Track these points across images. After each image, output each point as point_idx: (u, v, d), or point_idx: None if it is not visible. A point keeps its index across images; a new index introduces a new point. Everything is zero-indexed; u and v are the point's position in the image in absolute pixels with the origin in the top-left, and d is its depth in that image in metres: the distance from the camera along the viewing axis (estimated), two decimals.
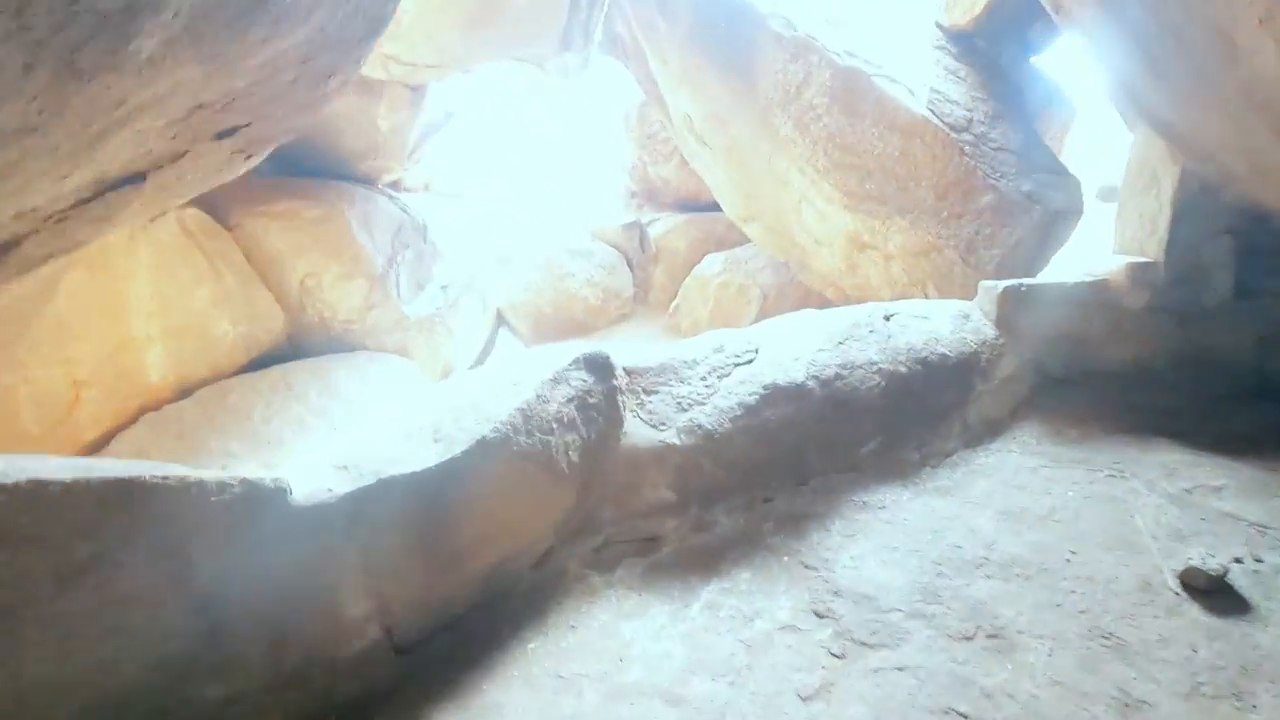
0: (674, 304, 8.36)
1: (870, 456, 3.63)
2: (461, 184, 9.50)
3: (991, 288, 4.18)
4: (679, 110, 6.26)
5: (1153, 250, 4.06)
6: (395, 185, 8.98)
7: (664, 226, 9.18)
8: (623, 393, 3.40)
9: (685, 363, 3.65)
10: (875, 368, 3.73)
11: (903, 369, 3.79)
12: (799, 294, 6.67)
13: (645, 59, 6.25)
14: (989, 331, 4.13)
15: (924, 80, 5.44)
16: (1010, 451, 3.87)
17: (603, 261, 8.80)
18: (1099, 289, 4.14)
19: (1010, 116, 5.59)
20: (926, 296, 5.23)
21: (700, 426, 3.30)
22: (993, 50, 6.34)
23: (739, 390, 3.51)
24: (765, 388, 3.52)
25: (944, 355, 3.91)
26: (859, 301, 5.75)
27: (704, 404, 3.48)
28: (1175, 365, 4.19)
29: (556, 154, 10.58)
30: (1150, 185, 4.02)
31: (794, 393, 3.52)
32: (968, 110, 5.38)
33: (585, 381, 3.22)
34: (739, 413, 3.43)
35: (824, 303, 6.69)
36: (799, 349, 3.75)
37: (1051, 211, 4.96)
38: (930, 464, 3.73)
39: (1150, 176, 4.03)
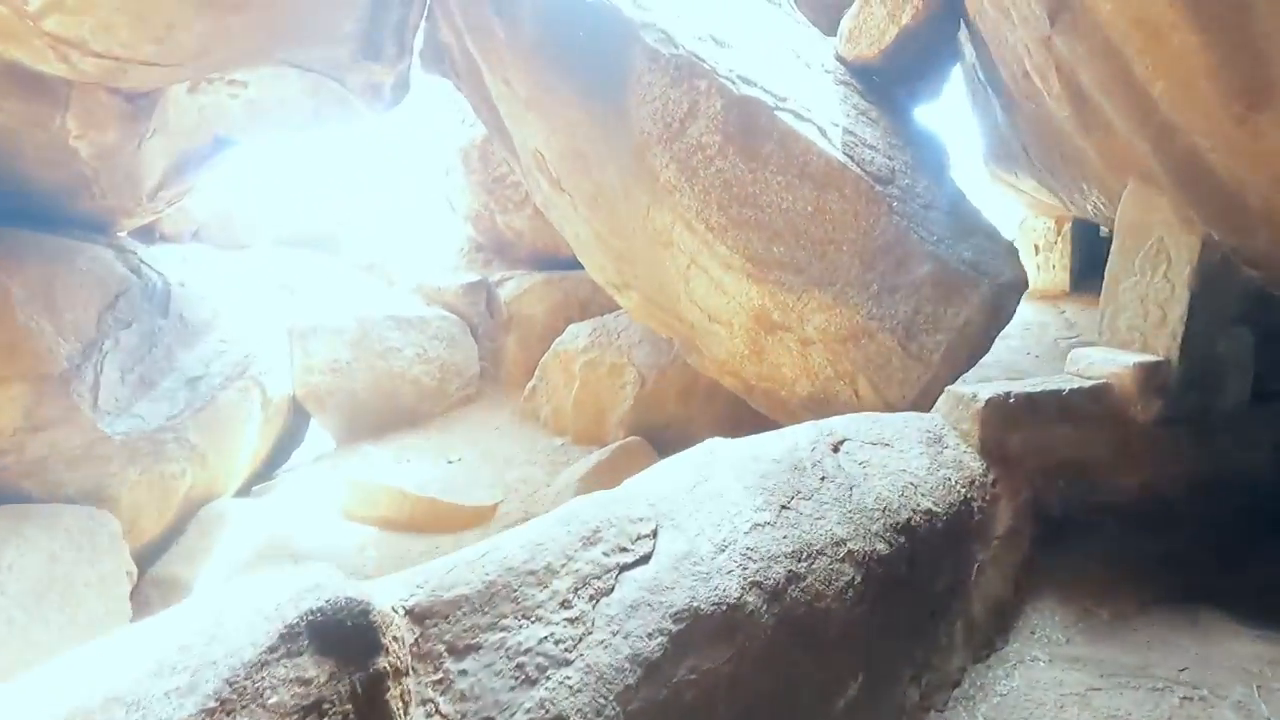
0: (530, 384, 6.75)
1: (850, 712, 2.20)
2: (244, 231, 7.38)
3: (967, 398, 2.98)
4: (527, 145, 4.80)
5: (1162, 345, 3.06)
6: (149, 233, 6.72)
7: (517, 287, 7.62)
8: (402, 674, 1.75)
9: (531, 574, 2.07)
10: (843, 551, 2.35)
11: (881, 546, 2.43)
12: (686, 377, 5.33)
13: (481, 77, 4.74)
14: (973, 464, 2.92)
15: (834, 119, 4.37)
16: (1036, 660, 2.60)
17: (439, 331, 7.05)
18: (1101, 398, 3.08)
19: (926, 167, 4.66)
20: (857, 394, 4.04)
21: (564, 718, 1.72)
22: (894, 90, 5.52)
23: (633, 626, 1.99)
24: (678, 618, 2.03)
25: (930, 513, 2.62)
26: (765, 395, 4.48)
27: (569, 663, 1.93)
28: (1193, 491, 3.18)
29: (377, 196, 8.71)
30: (1156, 261, 3.05)
31: (726, 623, 2.06)
32: (888, 158, 4.37)
33: (311, 676, 1.55)
34: (636, 676, 1.91)
35: (712, 388, 5.39)
36: (723, 526, 2.29)
37: (999, 285, 3.96)
38: (936, 704, 2.35)
39: (1153, 249, 3.05)
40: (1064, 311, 10.04)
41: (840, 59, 5.09)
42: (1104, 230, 10.64)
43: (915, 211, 4.17)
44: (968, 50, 6.12)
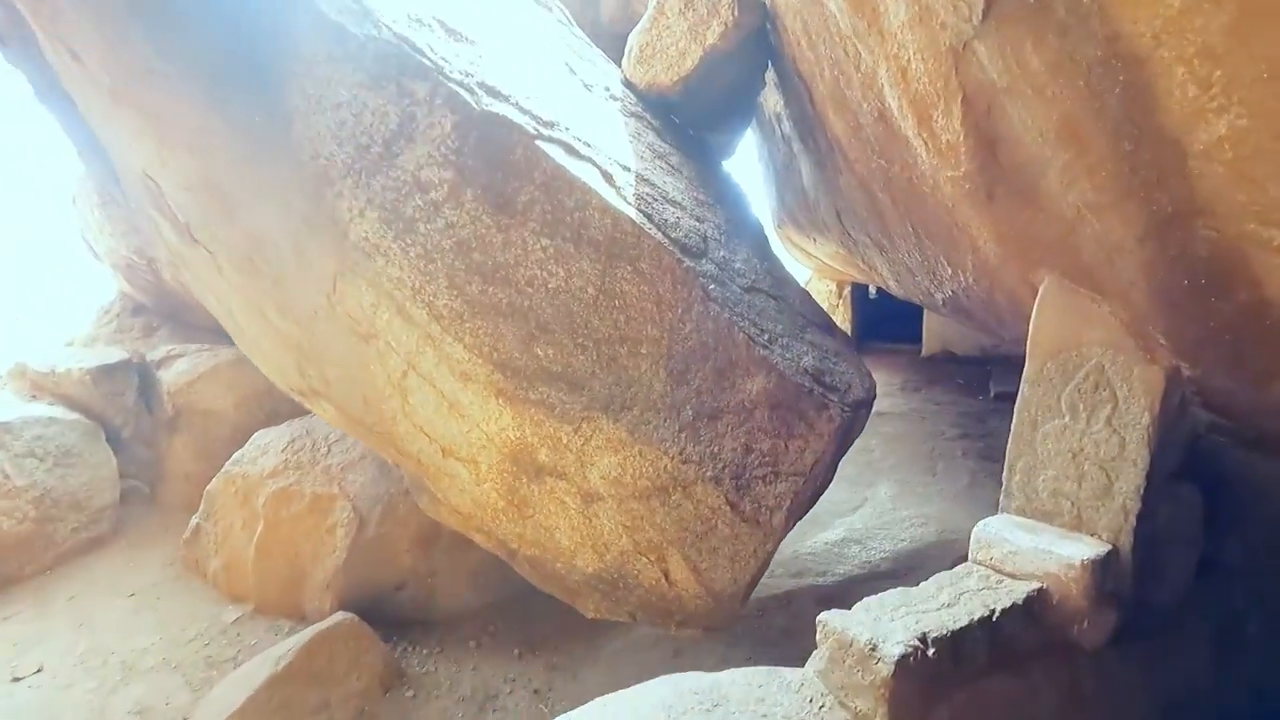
0: (193, 521, 4.50)
1: None
2: None
3: (860, 653, 1.66)
4: (130, 165, 2.86)
5: (1106, 523, 2.04)
6: None
7: (190, 369, 5.32)
8: None
9: None
10: None
11: None
12: (425, 518, 3.59)
13: (37, 44, 2.72)
14: None
15: (624, 161, 3.03)
16: None
17: (40, 443, 4.54)
18: (1039, 617, 1.93)
19: (744, 234, 3.53)
20: (667, 576, 2.64)
21: None
22: (698, 134, 4.42)
23: None
24: None
25: None
26: (534, 565, 2.93)
27: None
28: None
29: None
30: (1094, 400, 2.02)
31: None
32: (697, 219, 3.12)
33: None
34: None
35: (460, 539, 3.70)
36: None
37: (852, 405, 2.83)
38: None
39: (1090, 382, 2.03)
40: None
41: (629, 85, 3.86)
42: (873, 291, 10.88)
43: (737, 297, 2.94)
44: (771, 99, 5.29)
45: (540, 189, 2.74)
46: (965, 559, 4.36)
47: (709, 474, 2.59)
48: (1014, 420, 2.31)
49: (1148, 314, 1.81)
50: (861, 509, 5.33)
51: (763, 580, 3.78)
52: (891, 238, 3.42)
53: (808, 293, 3.58)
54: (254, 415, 5.23)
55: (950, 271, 2.88)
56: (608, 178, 2.89)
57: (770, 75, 4.63)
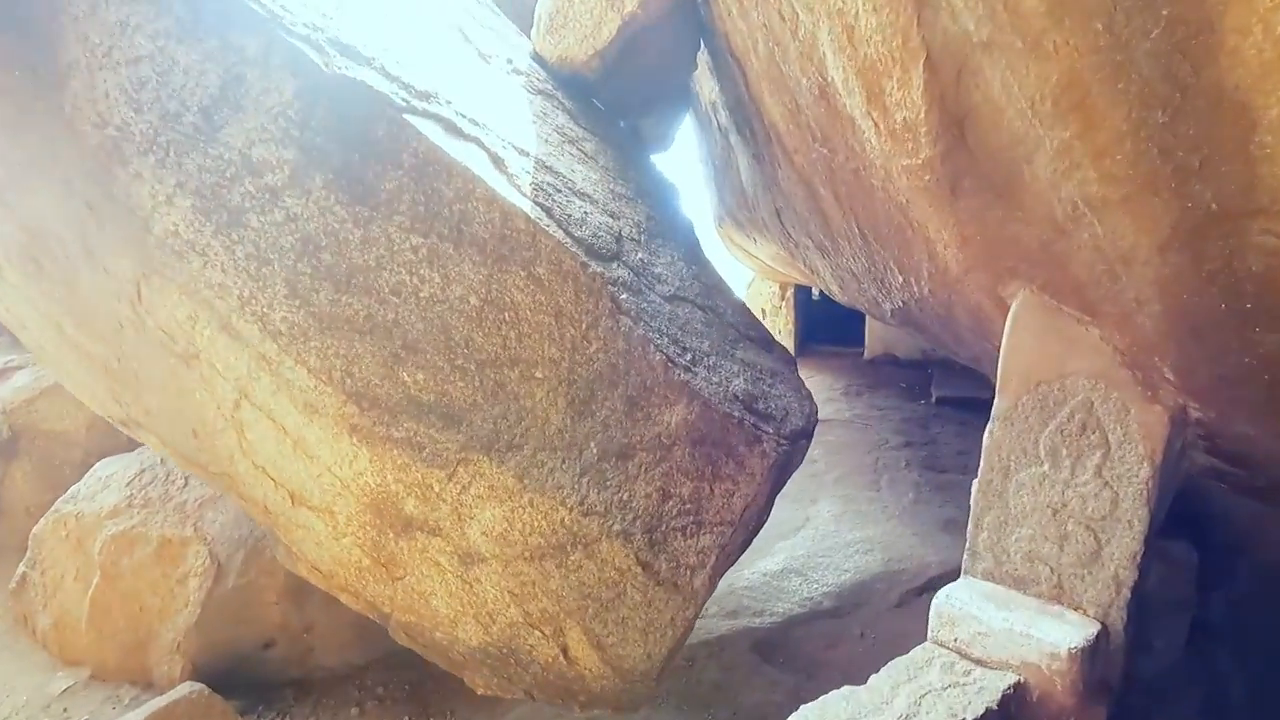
0: (20, 570, 3.77)
1: None
2: None
3: None
4: None
5: (1094, 596, 1.65)
6: None
7: (30, 380, 4.55)
8: None
9: None
10: None
11: None
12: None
13: None
14: None
15: (522, 144, 2.52)
16: None
17: None
18: None
19: (670, 235, 3.06)
20: (566, 653, 2.14)
21: None
22: (626, 121, 3.93)
23: None
24: None
25: None
26: (412, 632, 2.40)
27: None
28: None
29: None
30: (1080, 444, 1.62)
31: None
32: (610, 216, 2.63)
33: None
34: None
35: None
36: None
37: (789, 437, 2.40)
38: None
39: (1075, 422, 1.62)
40: None
41: (539, 60, 3.33)
42: (816, 293, 10.65)
43: (656, 308, 2.47)
44: (706, 85, 4.84)
45: (410, 175, 2.19)
46: (914, 593, 4.02)
47: (616, 528, 2.10)
48: (982, 464, 1.90)
49: (1155, 343, 1.41)
50: (803, 530, 4.96)
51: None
52: (835, 239, 3.00)
53: (743, 303, 3.14)
54: (111, 438, 4.48)
55: (901, 280, 2.47)
56: (498, 163, 2.37)
57: (704, 57, 4.17)
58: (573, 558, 2.09)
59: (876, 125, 1.82)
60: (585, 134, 3.09)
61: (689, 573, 2.13)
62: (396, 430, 2.10)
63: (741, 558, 4.25)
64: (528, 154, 2.52)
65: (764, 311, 10.70)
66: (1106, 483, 1.61)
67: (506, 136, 2.51)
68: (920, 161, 1.71)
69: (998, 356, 1.95)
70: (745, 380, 2.50)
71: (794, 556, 4.25)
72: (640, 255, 2.63)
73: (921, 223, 1.99)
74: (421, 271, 2.19)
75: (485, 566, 2.13)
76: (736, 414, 2.31)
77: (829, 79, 2.00)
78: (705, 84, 4.67)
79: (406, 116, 2.21)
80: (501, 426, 2.16)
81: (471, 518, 2.11)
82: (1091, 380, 1.61)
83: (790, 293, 10.57)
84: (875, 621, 3.58)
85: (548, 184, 2.46)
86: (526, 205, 2.30)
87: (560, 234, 2.30)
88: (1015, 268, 1.70)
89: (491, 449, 2.11)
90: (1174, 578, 1.83)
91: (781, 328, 10.13)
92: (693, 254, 3.14)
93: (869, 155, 2.03)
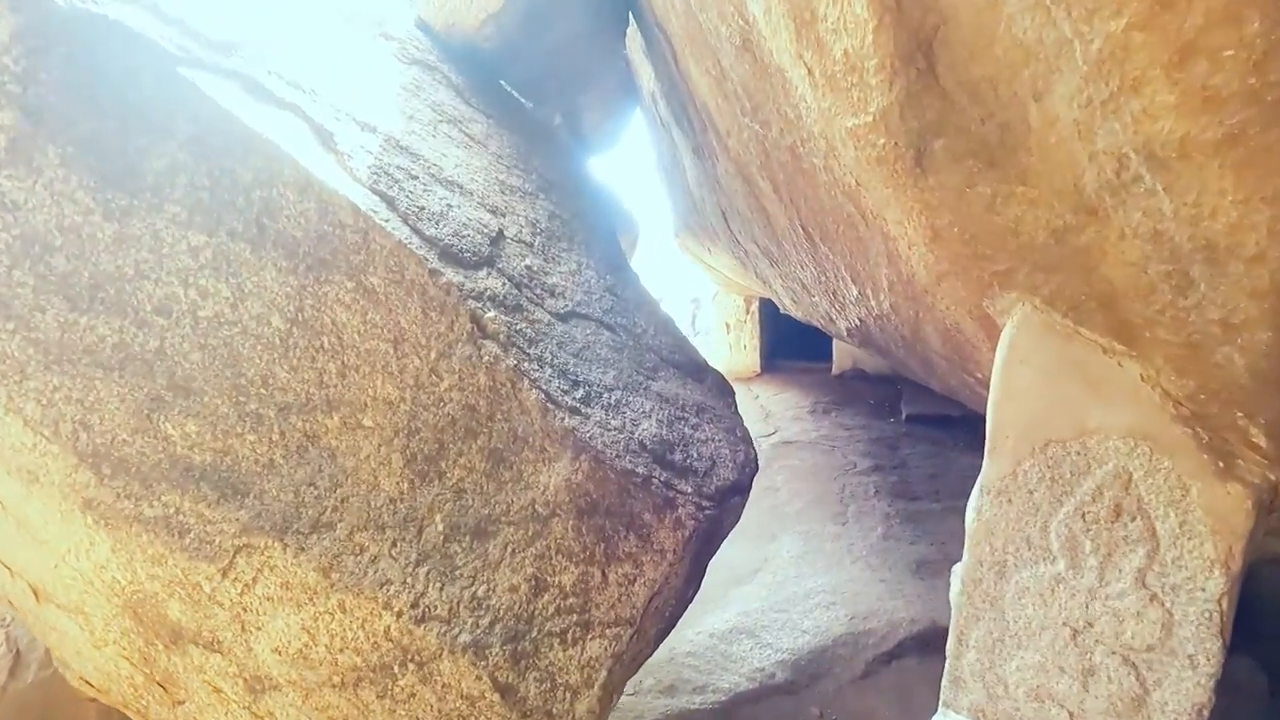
0: None
1: None
2: None
3: None
4: None
5: None
6: None
7: None
8: None
9: None
10: None
11: None
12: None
13: None
14: None
15: (371, 120, 1.92)
16: None
17: None
18: None
19: (581, 239, 2.49)
20: None
21: None
22: (543, 107, 3.36)
23: None
24: None
25: None
26: None
27: None
28: None
29: None
30: (1111, 530, 1.02)
31: None
32: (491, 213, 2.04)
33: None
34: None
35: None
36: None
37: (714, 496, 1.82)
38: None
39: (1104, 500, 1.03)
40: (758, 397, 9.11)
41: (424, 26, 2.75)
42: (784, 308, 10.21)
43: (540, 331, 1.88)
44: (644, 73, 4.31)
45: (190, 150, 1.59)
46: (882, 660, 3.45)
47: (464, 638, 1.50)
48: (966, 554, 1.33)
49: (1244, 388, 0.87)
50: (760, 573, 4.38)
51: (622, 698, 2.72)
52: (779, 243, 2.46)
53: (669, 320, 2.57)
54: None
55: (856, 292, 1.92)
56: (325, 138, 1.77)
57: (637, 39, 3.63)
58: (402, 683, 1.48)
59: (810, 72, 1.26)
60: (475, 114, 2.51)
61: (569, 696, 1.54)
62: (149, 506, 1.47)
63: (688, 610, 3.66)
64: (374, 130, 1.93)
65: (728, 326, 10.22)
66: (1154, 596, 1.06)
67: (346, 107, 1.92)
68: (870, 118, 1.15)
69: (984, 395, 1.40)
70: (658, 422, 1.92)
71: (746, 611, 3.67)
72: (527, 261, 2.04)
73: (877, 213, 1.44)
74: (203, 282, 1.58)
75: (279, 696, 1.50)
76: (641, 470, 1.73)
77: (750, 18, 1.45)
78: (643, 71, 4.13)
79: (185, 70, 1.61)
80: (307, 497, 1.54)
81: (259, 628, 1.49)
82: (1129, 442, 1.06)
83: (755, 306, 10.10)
84: (836, 699, 3.00)
85: (397, 168, 1.87)
86: (358, 194, 1.70)
87: (404, 231, 1.71)
88: (1011, 272, 1.16)
89: (288, 530, 1.50)
90: (1236, 712, 1.28)
91: (746, 342, 9.66)
92: (609, 261, 2.57)
93: (805, 122, 1.47)
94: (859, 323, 2.15)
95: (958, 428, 7.06)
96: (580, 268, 2.32)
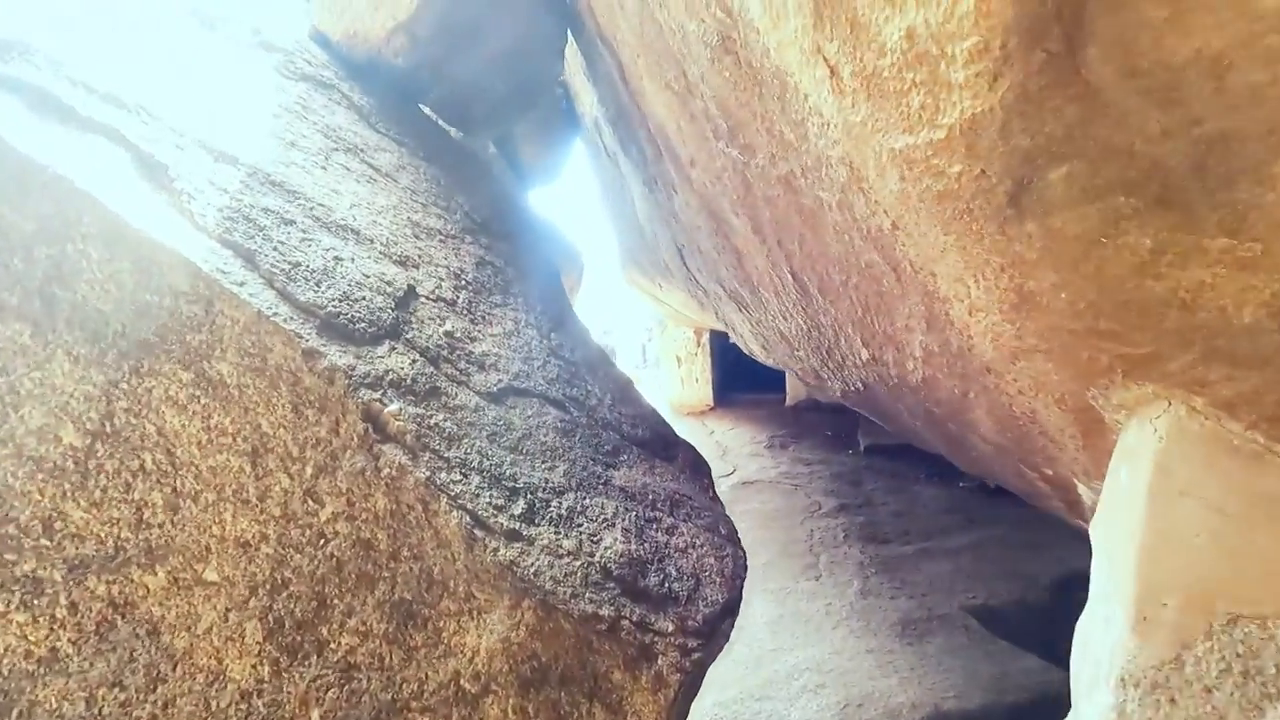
0: None
1: None
2: None
3: None
4: None
5: None
6: None
7: None
8: None
9: None
10: None
11: None
12: None
13: None
14: None
15: (232, 150, 1.43)
16: None
17: None
18: None
19: (521, 288, 2.04)
20: None
21: None
22: (472, 134, 2.91)
23: None
24: None
25: None
26: None
27: None
28: None
29: None
30: None
31: None
32: (400, 265, 1.57)
33: None
34: None
35: None
36: None
37: (703, 628, 1.38)
38: None
39: None
40: (713, 432, 8.74)
41: (321, 37, 2.28)
42: (751, 353, 9.95)
43: (466, 421, 1.41)
44: (586, 98, 3.92)
45: None
46: None
47: None
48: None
49: None
50: (734, 646, 3.92)
51: None
52: (755, 289, 2.07)
53: (627, 382, 2.13)
54: None
55: (867, 355, 1.53)
56: (155, 172, 1.28)
57: (577, 59, 3.24)
58: None
59: (834, 72, 0.87)
60: (383, 142, 2.04)
61: None
62: None
63: None
64: (235, 161, 1.45)
65: (679, 359, 9.89)
66: None
67: (195, 131, 1.43)
68: (941, 134, 0.76)
69: (1047, 490, 1.02)
70: (625, 531, 1.47)
71: (723, 701, 3.21)
72: (448, 326, 1.58)
73: (921, 266, 1.04)
74: None
75: None
76: (606, 611, 1.27)
77: (732, 8, 1.06)
78: (585, 97, 3.75)
79: None
80: (108, 705, 1.02)
81: None
82: None
83: (706, 338, 9.83)
84: None
85: (264, 211, 1.39)
86: (201, 247, 1.22)
87: (267, 298, 1.23)
88: (1155, 359, 0.78)
89: None
90: None
91: (699, 375, 9.33)
92: (553, 314, 2.13)
93: (814, 144, 1.07)
94: (861, 387, 1.77)
95: (917, 458, 6.85)
96: (518, 326, 1.87)
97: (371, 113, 2.13)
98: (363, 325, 1.35)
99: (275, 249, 1.33)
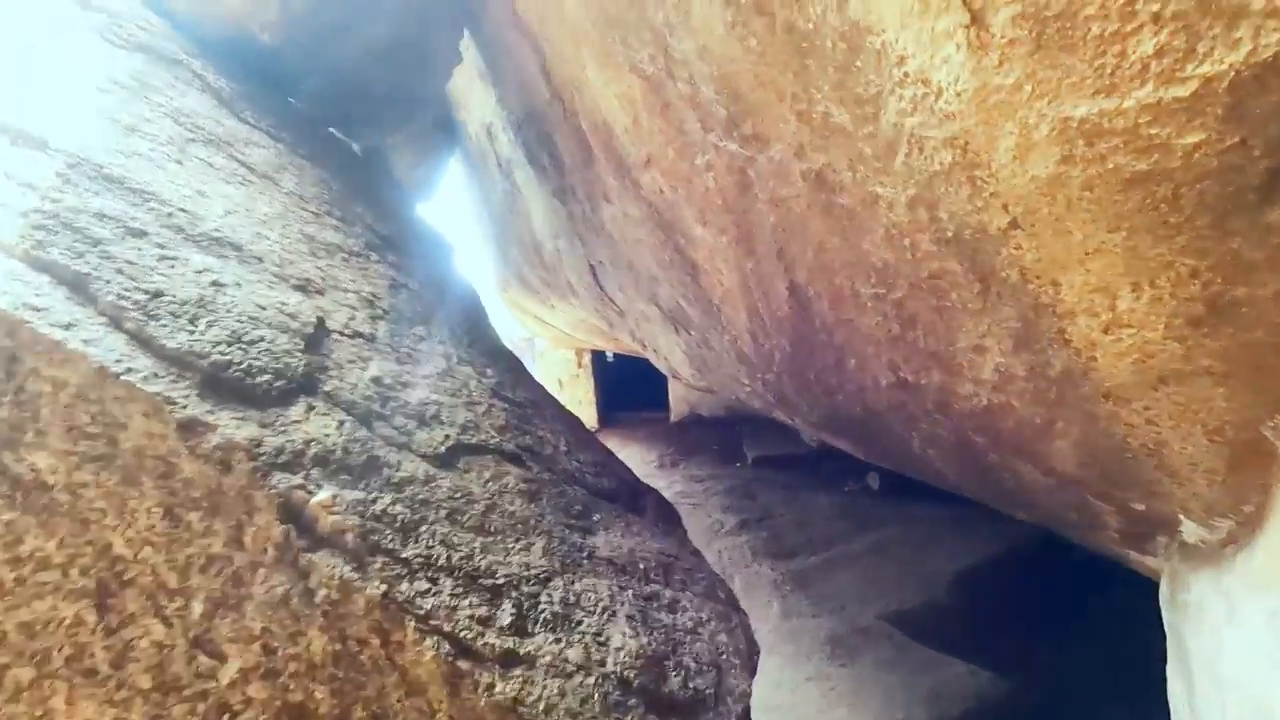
0: None
1: None
2: None
3: None
4: None
5: None
6: None
7: None
8: None
9: None
10: None
11: None
12: None
13: None
14: None
15: (39, 129, 0.96)
16: None
17: None
18: None
19: (443, 314, 1.66)
20: None
21: None
22: (350, 136, 2.45)
23: None
24: None
25: None
26: None
27: None
28: None
29: None
30: None
31: None
32: (302, 292, 1.15)
33: None
34: None
35: None
36: None
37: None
38: None
39: None
40: None
41: (159, 5, 1.77)
42: (610, 355, 9.73)
43: (419, 513, 1.03)
44: (476, 104, 3.54)
45: None
46: None
47: None
48: None
49: None
50: None
51: None
52: (713, 307, 1.83)
53: (579, 422, 1.81)
54: None
55: (892, 379, 1.32)
56: None
57: (473, 60, 2.88)
58: None
59: (976, 19, 0.65)
60: (255, 136, 1.59)
61: None
62: None
63: None
64: (46, 147, 0.98)
65: (561, 382, 9.55)
66: None
67: None
68: (1196, 86, 0.54)
69: (1113, 535, 0.86)
70: (630, 621, 1.15)
71: None
72: (373, 370, 1.19)
73: (1040, 273, 0.84)
74: None
75: None
76: None
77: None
78: (475, 102, 3.37)
79: None
80: None
81: None
82: None
83: (588, 359, 9.57)
84: None
85: (95, 217, 0.94)
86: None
87: (113, 345, 0.80)
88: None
89: None
90: None
91: (582, 398, 9.04)
92: (484, 347, 1.75)
93: (888, 124, 0.85)
94: (860, 413, 1.57)
95: (803, 465, 6.99)
96: (450, 364, 1.49)
97: (236, 99, 1.66)
98: (266, 378, 0.94)
99: (121, 272, 0.89)
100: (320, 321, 1.16)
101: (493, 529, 1.13)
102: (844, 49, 0.87)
